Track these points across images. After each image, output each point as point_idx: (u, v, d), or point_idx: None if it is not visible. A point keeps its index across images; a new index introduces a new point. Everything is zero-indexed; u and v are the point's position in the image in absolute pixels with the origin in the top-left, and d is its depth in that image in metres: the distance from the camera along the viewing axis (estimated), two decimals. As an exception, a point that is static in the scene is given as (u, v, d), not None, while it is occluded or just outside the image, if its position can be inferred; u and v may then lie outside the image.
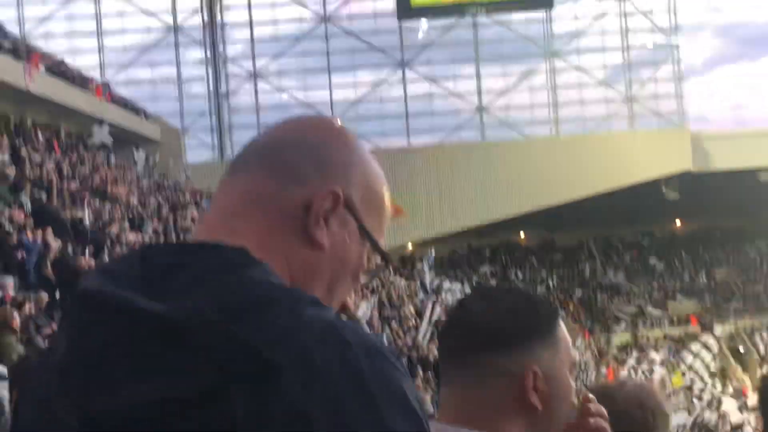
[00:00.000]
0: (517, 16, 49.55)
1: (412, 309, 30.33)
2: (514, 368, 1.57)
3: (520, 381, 1.57)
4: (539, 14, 49.55)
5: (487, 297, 1.67)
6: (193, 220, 32.96)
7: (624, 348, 44.23)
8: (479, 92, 50.01)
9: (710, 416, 35.08)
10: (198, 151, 48.90)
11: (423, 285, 36.85)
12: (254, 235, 1.16)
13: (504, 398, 1.57)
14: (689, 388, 37.38)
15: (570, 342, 1.65)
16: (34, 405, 1.10)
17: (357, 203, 1.21)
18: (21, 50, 34.21)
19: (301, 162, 1.19)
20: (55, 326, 13.60)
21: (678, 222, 52.34)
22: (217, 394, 0.99)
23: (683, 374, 39.16)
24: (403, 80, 49.87)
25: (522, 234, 52.20)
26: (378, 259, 1.26)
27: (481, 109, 49.85)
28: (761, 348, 43.71)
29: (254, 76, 49.36)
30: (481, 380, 1.58)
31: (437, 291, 37.00)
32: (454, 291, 38.90)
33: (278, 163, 1.20)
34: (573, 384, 1.63)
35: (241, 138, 48.49)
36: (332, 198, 1.18)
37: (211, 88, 49.26)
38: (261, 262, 1.10)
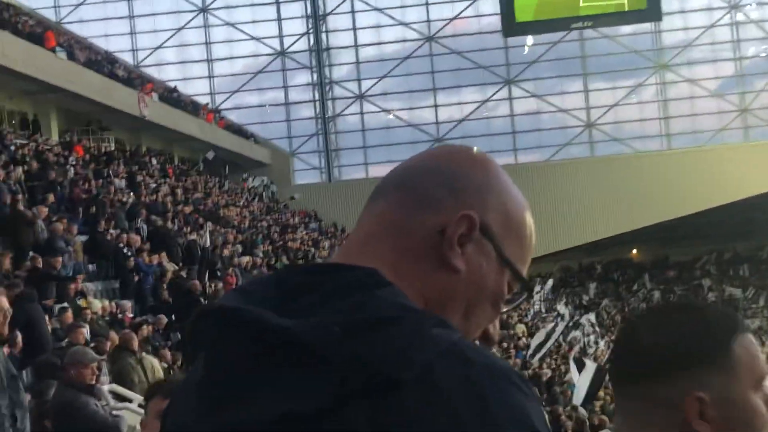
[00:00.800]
0: (625, 29, 48.82)
1: (524, 328, 30.10)
2: (674, 397, 1.43)
3: (684, 410, 1.43)
4: (647, 26, 48.74)
5: (658, 316, 1.52)
6: (302, 241, 33.31)
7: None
8: (587, 107, 49.44)
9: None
10: (306, 173, 49.53)
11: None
12: (387, 258, 1.16)
13: (669, 431, 1.44)
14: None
15: (756, 357, 1.47)
16: (176, 420, 1.13)
17: (495, 229, 1.19)
18: (135, 79, 35.23)
19: (435, 188, 1.19)
20: (170, 347, 13.86)
21: (797, 235, 50.71)
22: (336, 409, 1.00)
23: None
24: (510, 97, 49.64)
25: (634, 250, 51.27)
26: (519, 287, 1.23)
27: (589, 124, 49.24)
28: None
29: (360, 97, 49.75)
30: (644, 411, 1.45)
31: (548, 310, 36.59)
32: (564, 309, 38.41)
33: (413, 189, 1.20)
34: (762, 403, 1.45)
35: (348, 159, 48.91)
36: (467, 222, 1.17)
37: (318, 110, 49.85)
38: (390, 284, 1.11)
